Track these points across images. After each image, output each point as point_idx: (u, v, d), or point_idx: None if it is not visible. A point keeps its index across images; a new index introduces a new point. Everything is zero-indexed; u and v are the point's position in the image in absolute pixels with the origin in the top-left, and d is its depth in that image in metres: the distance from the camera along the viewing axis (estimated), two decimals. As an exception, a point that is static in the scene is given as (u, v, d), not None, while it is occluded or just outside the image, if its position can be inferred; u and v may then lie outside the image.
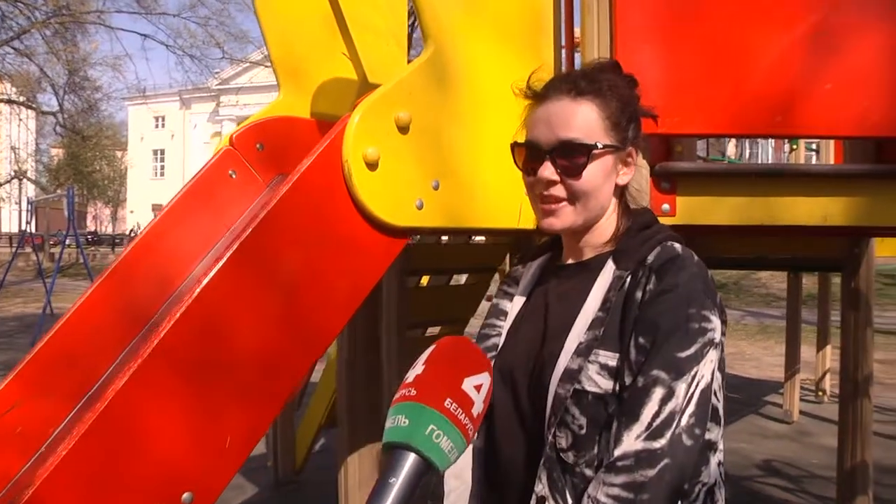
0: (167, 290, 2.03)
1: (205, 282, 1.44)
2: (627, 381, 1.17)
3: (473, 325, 5.53)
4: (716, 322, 1.19)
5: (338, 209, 1.64)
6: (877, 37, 1.98)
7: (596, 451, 1.18)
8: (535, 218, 1.33)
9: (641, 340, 1.18)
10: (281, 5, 2.49)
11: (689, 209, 1.99)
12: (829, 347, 7.71)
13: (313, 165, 1.61)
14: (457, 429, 0.84)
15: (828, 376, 7.84)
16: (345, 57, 2.55)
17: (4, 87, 24.81)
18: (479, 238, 4.73)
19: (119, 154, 51.85)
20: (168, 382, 1.39)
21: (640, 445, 1.12)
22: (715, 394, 1.21)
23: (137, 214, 51.53)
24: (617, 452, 1.13)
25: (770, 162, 7.79)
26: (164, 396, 1.38)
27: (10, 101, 26.12)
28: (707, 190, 2.03)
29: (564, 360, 1.22)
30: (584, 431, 1.19)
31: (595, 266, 1.30)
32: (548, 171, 1.25)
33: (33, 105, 26.52)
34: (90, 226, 56.26)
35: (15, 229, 39.15)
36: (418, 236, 3.86)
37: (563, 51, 2.48)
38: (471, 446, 1.37)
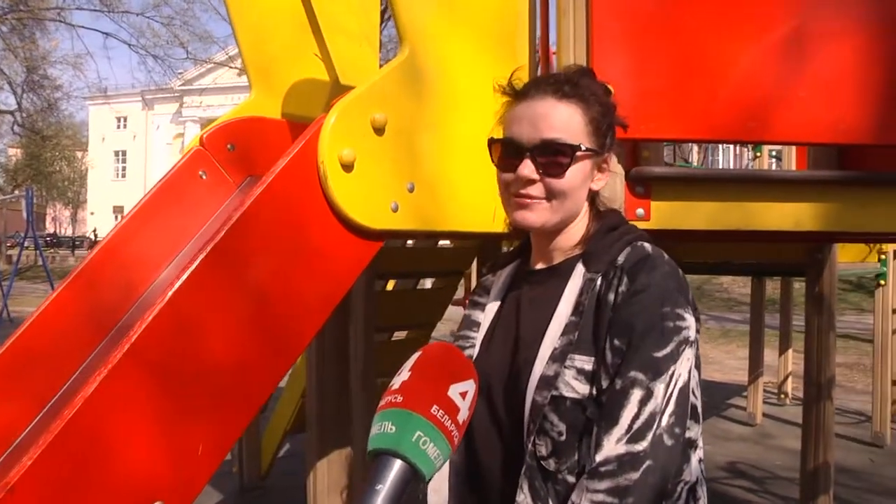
0: (134, 293, 1.98)
1: (177, 285, 1.40)
2: (605, 384, 1.17)
3: (440, 330, 5.53)
4: (690, 320, 1.19)
5: (312, 211, 1.62)
6: (849, 45, 2.01)
7: (577, 457, 1.17)
8: (507, 215, 1.32)
9: (617, 342, 1.17)
10: (253, 5, 2.46)
11: (664, 214, 2.00)
12: (790, 351, 7.85)
13: (288, 166, 1.59)
14: (443, 435, 0.84)
15: (790, 379, 7.98)
16: (317, 58, 2.52)
17: (-40, 85, 24.27)
18: (445, 242, 4.72)
19: (79, 155, 51.08)
20: (139, 388, 1.35)
21: (622, 449, 1.11)
22: (693, 392, 1.21)
23: (98, 216, 50.74)
24: (598, 457, 1.12)
25: (733, 168, 7.93)
26: (135, 403, 1.35)
27: (-35, 100, 25.61)
28: (682, 195, 2.03)
29: (540, 366, 1.21)
30: (563, 438, 1.18)
31: (565, 270, 1.29)
32: (527, 169, 1.24)
33: (-10, 104, 26.02)
34: (49, 227, 55.28)
35: (-30, 230, 38.27)
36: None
37: (539, 54, 2.48)
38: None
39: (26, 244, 17.87)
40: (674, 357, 1.15)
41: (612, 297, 1.20)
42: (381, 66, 2.50)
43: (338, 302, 1.70)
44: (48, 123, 29.44)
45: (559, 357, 1.20)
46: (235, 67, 19.74)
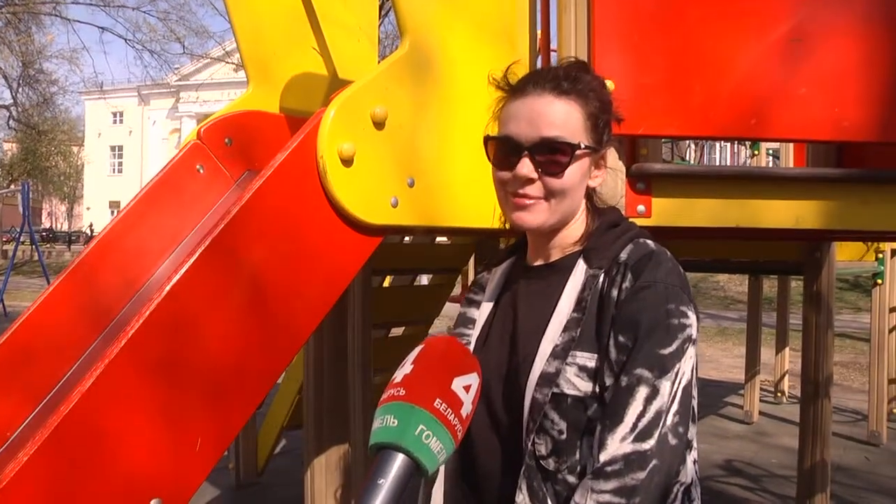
0: (131, 288, 1.97)
1: (175, 279, 1.39)
2: (608, 381, 1.15)
3: (438, 326, 5.52)
4: (692, 318, 1.18)
5: (311, 206, 1.60)
6: (850, 41, 2.00)
7: (578, 456, 1.16)
8: (504, 214, 1.29)
9: (622, 339, 1.15)
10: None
11: (665, 211, 1.99)
12: (787, 349, 7.85)
13: (287, 161, 1.57)
14: (446, 429, 0.82)
15: (786, 378, 7.98)
16: (315, 52, 2.51)
17: (-45, 79, 24.19)
18: (442, 238, 4.71)
19: (75, 149, 50.91)
20: (136, 384, 1.34)
21: (628, 448, 1.09)
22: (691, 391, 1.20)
23: (94, 211, 50.63)
24: (603, 457, 1.10)
25: (734, 165, 7.93)
26: (132, 398, 1.33)
27: (-39, 94, 25.54)
28: (683, 191, 2.02)
29: (540, 363, 1.19)
30: (564, 436, 1.16)
31: (565, 266, 1.27)
32: (526, 168, 1.21)
33: (-15, 98, 25.94)
34: (45, 223, 55.17)
35: (-34, 225, 38.16)
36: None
37: (539, 50, 2.47)
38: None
39: (22, 239, 17.80)
40: (679, 355, 1.14)
41: (615, 293, 1.18)
42: (379, 61, 2.48)
43: (337, 297, 1.69)
44: (44, 118, 29.38)
45: (560, 354, 1.18)
46: (232, 63, 19.70)
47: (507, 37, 2.04)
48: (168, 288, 1.38)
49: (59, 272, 1.93)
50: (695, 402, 1.21)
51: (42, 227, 47.43)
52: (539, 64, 2.37)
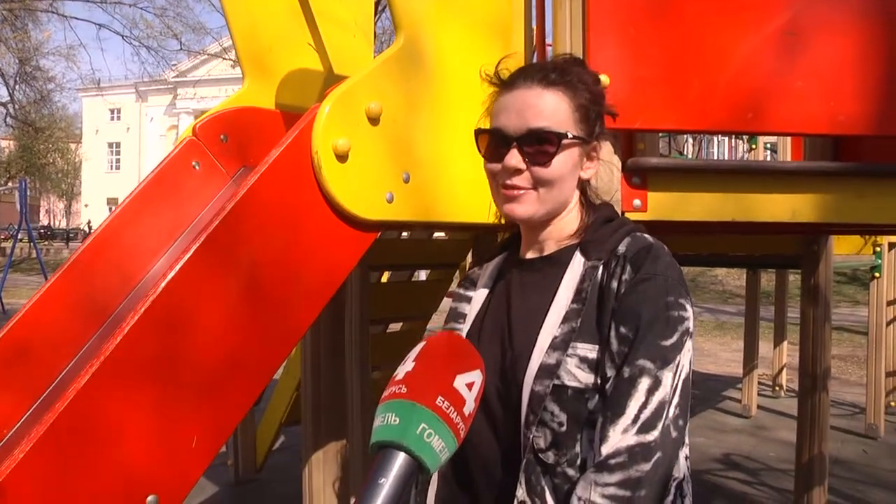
0: (127, 284, 1.97)
1: (170, 275, 1.39)
2: (610, 372, 1.15)
3: (436, 322, 5.52)
4: (690, 311, 1.18)
5: (307, 201, 1.60)
6: (847, 35, 2.00)
7: (577, 449, 1.16)
8: (496, 206, 1.30)
9: (623, 330, 1.15)
10: (246, -6, 2.44)
11: (661, 205, 1.99)
12: (785, 343, 7.86)
13: (282, 156, 1.57)
14: (448, 428, 0.82)
15: (784, 371, 8.00)
16: (311, 48, 2.51)
17: (-48, 76, 24.12)
18: (440, 233, 4.71)
19: (73, 146, 50.85)
20: (132, 380, 1.34)
21: (632, 440, 1.09)
22: None
23: (92, 208, 50.56)
24: (606, 450, 1.10)
25: (730, 159, 7.92)
26: (128, 394, 1.33)
27: (-43, 91, 25.47)
28: (679, 186, 2.02)
29: (539, 355, 1.19)
30: (564, 429, 1.16)
31: (561, 259, 1.28)
32: (514, 159, 1.22)
33: (-18, 95, 25.86)
34: (43, 220, 55.10)
35: (-37, 223, 38.05)
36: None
37: (535, 45, 2.46)
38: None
39: (20, 236, 17.76)
40: (678, 347, 1.14)
41: (615, 284, 1.18)
42: (375, 57, 2.48)
43: (333, 293, 1.69)
44: (41, 115, 29.29)
45: (560, 345, 1.18)
46: (229, 59, 19.65)
47: (503, 32, 2.03)
48: (163, 284, 1.38)
49: (56, 269, 1.93)
50: (689, 397, 1.20)
51: (40, 224, 47.36)
52: (535, 59, 2.37)
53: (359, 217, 1.66)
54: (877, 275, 6.41)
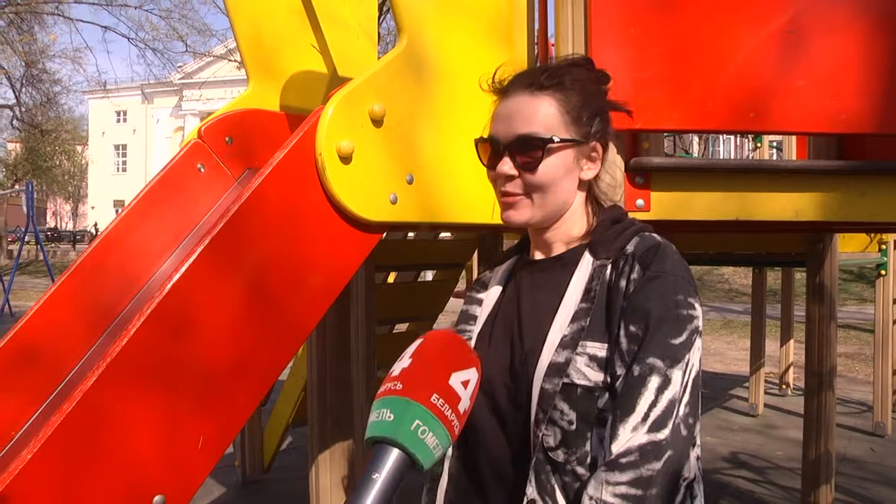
0: (134, 286, 1.98)
1: (175, 277, 1.40)
2: (619, 371, 1.15)
3: (442, 322, 5.53)
4: (699, 310, 1.18)
5: (311, 203, 1.61)
6: (849, 34, 2.00)
7: (587, 447, 1.16)
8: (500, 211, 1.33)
9: (632, 328, 1.15)
10: (250, -3, 2.45)
11: (664, 204, 1.99)
12: (792, 341, 7.85)
13: (286, 159, 1.58)
14: (442, 425, 0.82)
15: (791, 370, 7.99)
16: (315, 50, 2.52)
17: (-42, 79, 24.23)
18: (446, 234, 4.72)
19: (79, 149, 51.01)
20: (138, 382, 1.35)
21: (643, 438, 1.09)
22: None
23: (99, 210, 50.73)
24: (616, 448, 1.09)
25: (732, 159, 7.92)
26: (134, 396, 1.34)
27: (-36, 95, 25.58)
28: (682, 185, 2.03)
29: (548, 353, 1.19)
30: (573, 427, 1.16)
31: (570, 259, 1.28)
32: (506, 166, 1.25)
33: (-12, 98, 25.98)
34: (50, 222, 55.30)
35: (-29, 226, 38.17)
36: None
37: (537, 45, 2.47)
38: (447, 456, 1.35)
39: (27, 239, 17.84)
40: (688, 345, 1.14)
41: (623, 283, 1.19)
42: (379, 58, 2.49)
43: (338, 294, 1.70)
44: (47, 118, 29.39)
45: (570, 343, 1.18)
46: (235, 60, 19.71)
47: (506, 33, 2.04)
48: (169, 286, 1.39)
49: (63, 272, 1.94)
50: (699, 397, 1.20)
51: (47, 226, 47.55)
52: (538, 60, 2.38)
53: (363, 218, 1.67)
54: (883, 272, 6.40)
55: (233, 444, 5.16)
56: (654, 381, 1.11)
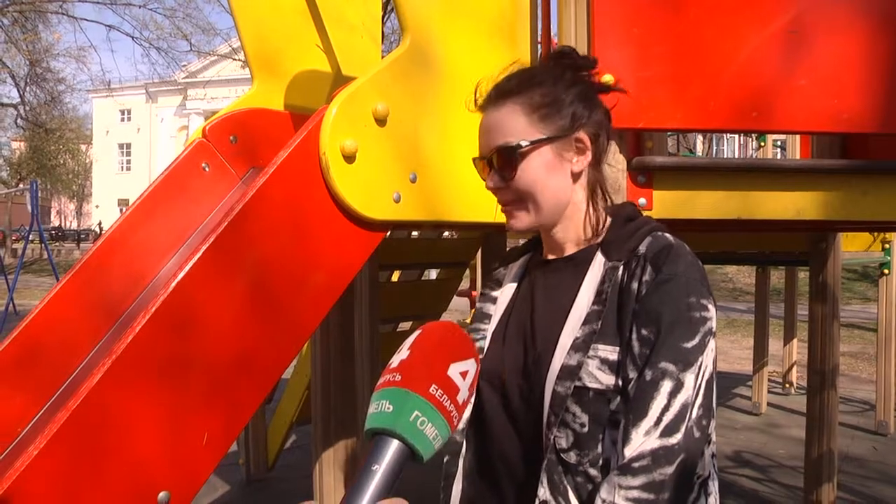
0: (139, 285, 1.99)
1: (180, 276, 1.41)
2: (631, 374, 1.14)
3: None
4: (712, 310, 1.17)
5: (315, 202, 1.62)
6: (852, 33, 2.00)
7: (600, 449, 1.16)
8: None
9: (644, 332, 1.14)
10: (254, -4, 2.46)
11: (666, 203, 2.00)
12: (795, 340, 7.84)
13: (290, 157, 1.59)
14: (441, 416, 0.82)
15: (794, 369, 7.98)
16: (319, 49, 2.52)
17: (-37, 78, 24.29)
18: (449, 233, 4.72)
19: (84, 148, 51.08)
20: (143, 379, 1.36)
21: (655, 443, 1.08)
22: None
23: (103, 209, 50.80)
24: (628, 452, 1.09)
25: (736, 158, 7.91)
26: (139, 393, 1.35)
27: (-31, 93, 25.62)
28: (684, 184, 2.03)
29: (560, 356, 1.19)
30: (586, 429, 1.16)
31: (582, 259, 1.28)
32: (492, 180, 1.28)
33: (-7, 97, 26.04)
34: (54, 221, 55.39)
35: (-25, 224, 38.27)
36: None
37: (540, 45, 2.47)
38: (462, 454, 1.36)
39: (31, 237, 17.86)
40: (701, 348, 1.13)
41: (635, 285, 1.18)
42: (383, 57, 2.49)
43: (341, 292, 1.71)
44: (52, 116, 29.46)
45: (581, 346, 1.18)
46: (239, 59, 19.72)
47: (508, 32, 2.05)
48: (173, 284, 1.40)
49: (68, 270, 1.95)
50: (713, 396, 1.19)
51: (51, 225, 47.60)
52: (540, 59, 2.38)
53: (366, 217, 1.67)
54: (886, 272, 6.39)
55: (237, 443, 5.17)
56: (667, 386, 1.10)
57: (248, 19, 2.41)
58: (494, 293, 1.42)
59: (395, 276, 4.92)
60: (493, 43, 1.99)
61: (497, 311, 1.39)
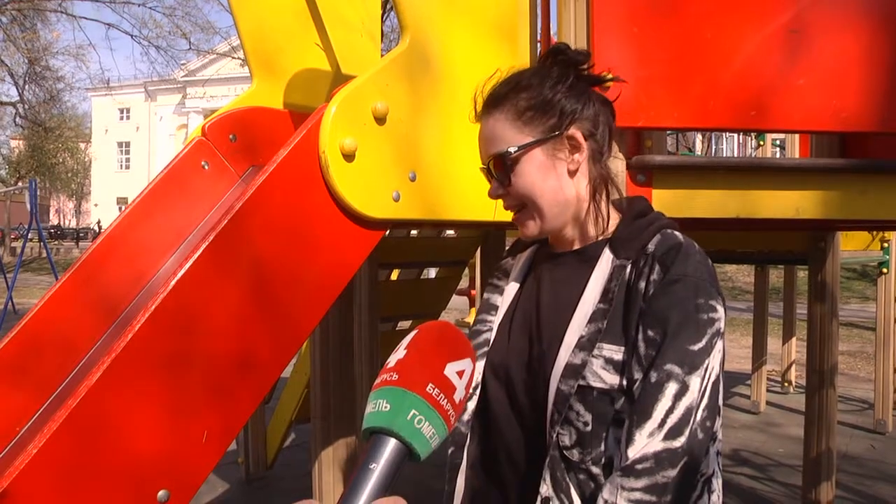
0: (138, 283, 1.99)
1: (179, 274, 1.41)
2: (637, 375, 1.14)
3: (445, 319, 5.54)
4: (721, 311, 1.16)
5: (314, 201, 1.62)
6: (851, 32, 2.00)
7: (603, 447, 1.15)
8: None
9: (651, 333, 1.14)
10: (254, -5, 2.46)
11: (666, 202, 2.00)
12: (794, 339, 7.85)
13: (289, 156, 1.59)
14: (438, 414, 0.82)
15: (793, 367, 7.99)
16: (318, 48, 2.52)
17: (-39, 76, 24.26)
18: (449, 231, 4.72)
19: (83, 146, 51.06)
20: (142, 377, 1.36)
21: (658, 446, 1.08)
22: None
23: (102, 208, 50.81)
24: (632, 453, 1.09)
25: (736, 157, 7.91)
26: (139, 392, 1.35)
27: (-33, 92, 25.62)
28: (683, 183, 2.03)
29: (565, 354, 1.19)
30: (589, 428, 1.15)
31: (590, 255, 1.27)
32: (493, 190, 1.30)
33: (-8, 95, 26.02)
34: (53, 219, 55.37)
35: (-26, 223, 38.26)
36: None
37: (540, 44, 2.48)
38: (466, 447, 1.36)
39: (30, 236, 17.87)
40: (708, 350, 1.12)
41: (643, 285, 1.17)
42: (382, 56, 2.49)
43: (340, 290, 1.71)
44: (51, 115, 29.47)
45: (586, 345, 1.17)
46: (238, 58, 19.71)
47: (508, 31, 2.05)
48: (173, 283, 1.40)
49: (67, 269, 1.95)
50: (720, 395, 1.18)
51: (50, 224, 47.58)
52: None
53: (366, 216, 1.67)
54: (885, 271, 6.39)
55: (236, 441, 5.17)
56: (672, 388, 1.10)
57: (248, 18, 2.41)
58: (502, 283, 1.42)
59: (395, 275, 4.92)
60: (493, 42, 1.99)
61: (504, 302, 1.38)
